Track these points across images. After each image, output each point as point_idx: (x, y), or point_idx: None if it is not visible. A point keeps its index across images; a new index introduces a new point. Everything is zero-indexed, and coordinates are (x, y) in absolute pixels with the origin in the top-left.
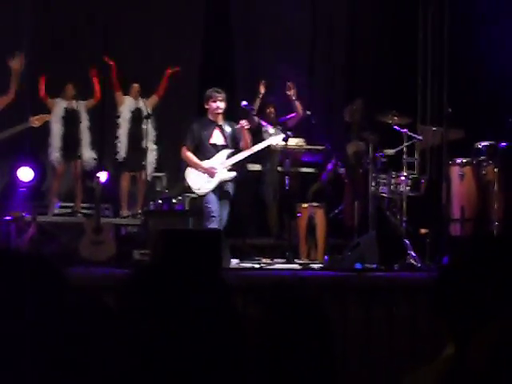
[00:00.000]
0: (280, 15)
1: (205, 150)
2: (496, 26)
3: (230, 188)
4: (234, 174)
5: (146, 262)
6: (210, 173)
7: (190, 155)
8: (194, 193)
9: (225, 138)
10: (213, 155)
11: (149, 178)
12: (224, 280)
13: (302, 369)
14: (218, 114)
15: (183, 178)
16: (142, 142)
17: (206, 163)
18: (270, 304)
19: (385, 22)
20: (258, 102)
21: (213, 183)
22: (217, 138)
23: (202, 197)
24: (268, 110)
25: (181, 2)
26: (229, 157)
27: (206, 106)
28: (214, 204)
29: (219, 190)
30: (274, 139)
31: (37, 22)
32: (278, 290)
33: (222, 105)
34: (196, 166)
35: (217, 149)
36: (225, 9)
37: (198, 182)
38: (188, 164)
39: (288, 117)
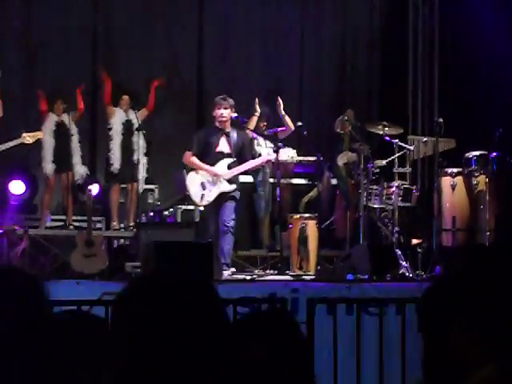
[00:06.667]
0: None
1: (210, 158)
2: (487, 36)
3: (235, 194)
4: (234, 186)
5: (138, 275)
6: (217, 177)
7: (195, 159)
8: (189, 204)
9: (230, 146)
10: (216, 163)
11: (140, 191)
12: (215, 290)
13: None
14: (223, 121)
15: (182, 189)
16: (133, 154)
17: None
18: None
19: (375, 33)
20: (254, 120)
21: (212, 196)
22: (223, 146)
23: (204, 207)
24: (262, 124)
25: (175, 13)
26: (230, 167)
27: (213, 114)
28: (211, 217)
29: (219, 199)
30: (267, 152)
31: (23, 35)
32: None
33: (225, 112)
34: (202, 169)
35: (222, 157)
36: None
37: (199, 193)
38: (191, 169)
39: (278, 129)
